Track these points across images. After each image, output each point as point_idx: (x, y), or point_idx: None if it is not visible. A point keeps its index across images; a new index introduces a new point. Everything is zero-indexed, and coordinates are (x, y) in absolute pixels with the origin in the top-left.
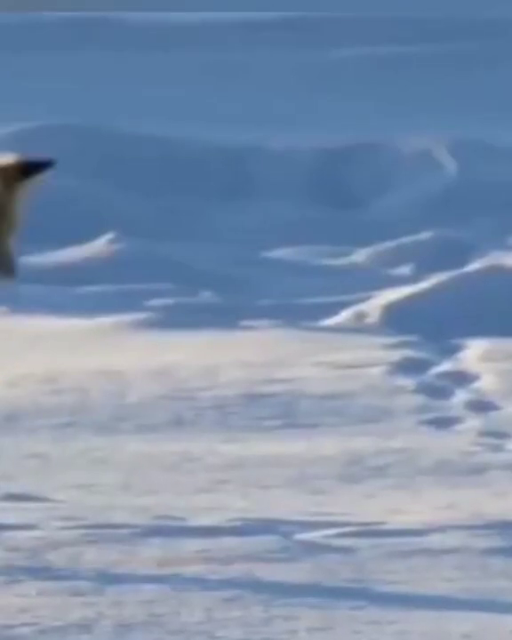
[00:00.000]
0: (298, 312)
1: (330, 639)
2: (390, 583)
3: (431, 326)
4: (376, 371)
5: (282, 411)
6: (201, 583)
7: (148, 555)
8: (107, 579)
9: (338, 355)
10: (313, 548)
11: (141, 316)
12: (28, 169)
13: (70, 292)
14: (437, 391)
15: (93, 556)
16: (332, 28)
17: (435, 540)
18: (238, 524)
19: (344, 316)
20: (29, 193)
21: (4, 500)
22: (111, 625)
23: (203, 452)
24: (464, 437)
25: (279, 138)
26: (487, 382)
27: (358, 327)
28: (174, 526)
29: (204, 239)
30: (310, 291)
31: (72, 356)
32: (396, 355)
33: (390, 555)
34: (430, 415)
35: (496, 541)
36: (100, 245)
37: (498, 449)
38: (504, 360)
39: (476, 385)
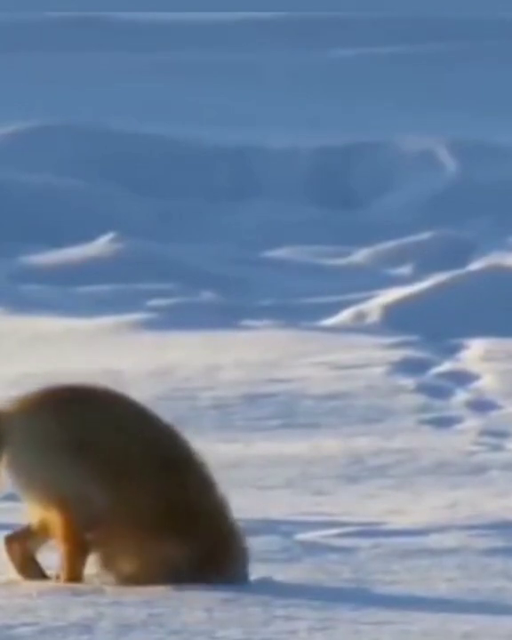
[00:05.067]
0: (298, 312)
1: (330, 639)
2: (390, 583)
3: (431, 326)
4: (376, 371)
5: (282, 411)
6: (201, 583)
7: None
8: (107, 579)
9: (338, 355)
10: (313, 548)
11: (141, 316)
12: None
13: (70, 292)
14: (437, 391)
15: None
16: (332, 28)
17: (435, 540)
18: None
19: (344, 315)
20: None
21: (4, 500)
22: (111, 625)
23: (203, 452)
24: (464, 437)
25: (279, 138)
26: (487, 382)
27: (358, 327)
28: None
29: (204, 239)
30: (310, 291)
31: (72, 356)
32: (396, 355)
33: (390, 555)
34: (430, 415)
35: (496, 541)
36: (100, 245)
37: (498, 449)
38: (504, 360)
39: (476, 385)
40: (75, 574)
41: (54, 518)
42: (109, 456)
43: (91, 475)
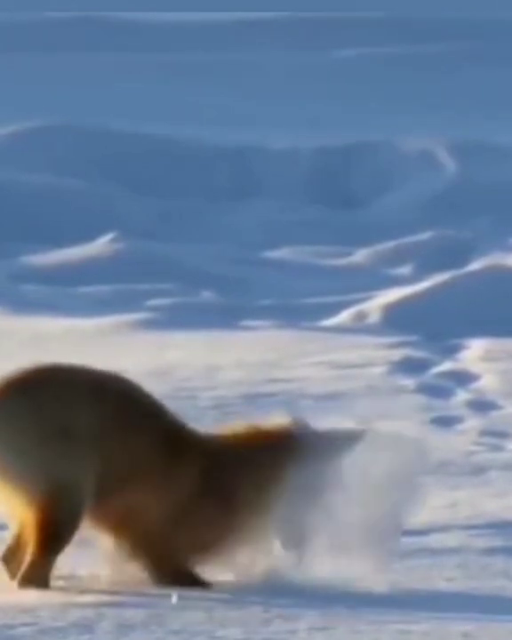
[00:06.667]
0: (298, 312)
1: (330, 639)
2: (390, 583)
3: (431, 326)
4: (376, 371)
5: (282, 411)
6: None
7: None
8: (107, 579)
9: (338, 355)
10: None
11: (141, 316)
12: None
13: (70, 292)
14: (438, 391)
15: (93, 557)
16: (333, 28)
17: (435, 540)
18: None
19: (344, 316)
20: None
21: None
22: (111, 625)
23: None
24: (464, 437)
25: (279, 138)
26: (487, 382)
27: (358, 327)
28: None
29: (204, 239)
30: (310, 291)
31: (72, 356)
32: (396, 355)
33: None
34: (430, 415)
35: (496, 541)
36: (100, 245)
37: (498, 449)
38: (504, 360)
39: (477, 385)
40: (36, 576)
41: (31, 515)
42: (88, 441)
43: (70, 461)
